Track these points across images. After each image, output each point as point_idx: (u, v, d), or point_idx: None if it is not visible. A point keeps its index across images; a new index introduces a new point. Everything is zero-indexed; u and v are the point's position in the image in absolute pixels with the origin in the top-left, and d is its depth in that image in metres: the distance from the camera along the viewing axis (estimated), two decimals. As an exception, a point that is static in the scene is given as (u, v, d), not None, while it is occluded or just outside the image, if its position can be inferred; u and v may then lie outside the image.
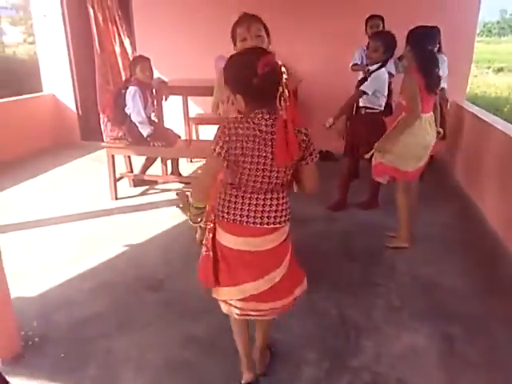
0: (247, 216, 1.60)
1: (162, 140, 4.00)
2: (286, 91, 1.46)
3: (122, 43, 5.83)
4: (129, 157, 4.40)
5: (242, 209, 1.60)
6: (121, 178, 4.33)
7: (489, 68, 17.68)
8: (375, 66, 3.39)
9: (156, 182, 4.56)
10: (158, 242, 3.34)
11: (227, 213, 1.62)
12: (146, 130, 3.95)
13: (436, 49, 3.18)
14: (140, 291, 2.70)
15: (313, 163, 1.64)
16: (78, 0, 5.74)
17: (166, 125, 4.56)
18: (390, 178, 3.13)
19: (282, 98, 1.45)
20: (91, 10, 5.71)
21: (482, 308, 2.51)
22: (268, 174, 1.55)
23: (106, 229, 3.57)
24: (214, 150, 1.53)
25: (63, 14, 5.78)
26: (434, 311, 2.48)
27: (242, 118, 1.53)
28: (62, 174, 5.02)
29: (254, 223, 1.60)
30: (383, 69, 3.37)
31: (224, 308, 1.81)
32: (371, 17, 4.15)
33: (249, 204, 1.60)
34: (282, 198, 1.65)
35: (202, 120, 5.21)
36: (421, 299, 2.59)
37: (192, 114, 5.21)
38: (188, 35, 5.53)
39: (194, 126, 5.30)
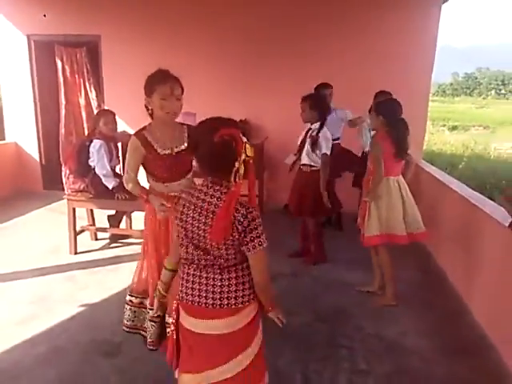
0: (198, 296, 1.52)
1: (127, 193, 3.93)
2: (242, 169, 1.42)
3: (86, 95, 5.87)
4: (91, 209, 4.29)
5: (192, 288, 1.53)
6: (82, 231, 4.19)
7: (444, 126, 18.82)
8: (317, 125, 3.57)
9: (123, 236, 4.41)
10: (117, 300, 3.17)
11: (184, 292, 1.56)
12: (110, 183, 3.88)
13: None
14: (94, 357, 2.53)
15: (258, 252, 1.44)
16: (47, 51, 5.79)
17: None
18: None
19: (237, 174, 1.41)
20: (59, 62, 5.76)
21: (446, 371, 2.49)
22: (208, 247, 1.47)
23: (61, 286, 3.39)
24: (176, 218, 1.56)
25: (31, 64, 5.78)
26: (399, 375, 2.44)
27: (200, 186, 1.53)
28: (19, 225, 4.81)
29: (205, 304, 1.51)
30: (325, 128, 3.57)
31: None
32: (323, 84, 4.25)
33: (197, 282, 1.53)
34: (230, 279, 1.50)
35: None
36: (386, 362, 2.55)
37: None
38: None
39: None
